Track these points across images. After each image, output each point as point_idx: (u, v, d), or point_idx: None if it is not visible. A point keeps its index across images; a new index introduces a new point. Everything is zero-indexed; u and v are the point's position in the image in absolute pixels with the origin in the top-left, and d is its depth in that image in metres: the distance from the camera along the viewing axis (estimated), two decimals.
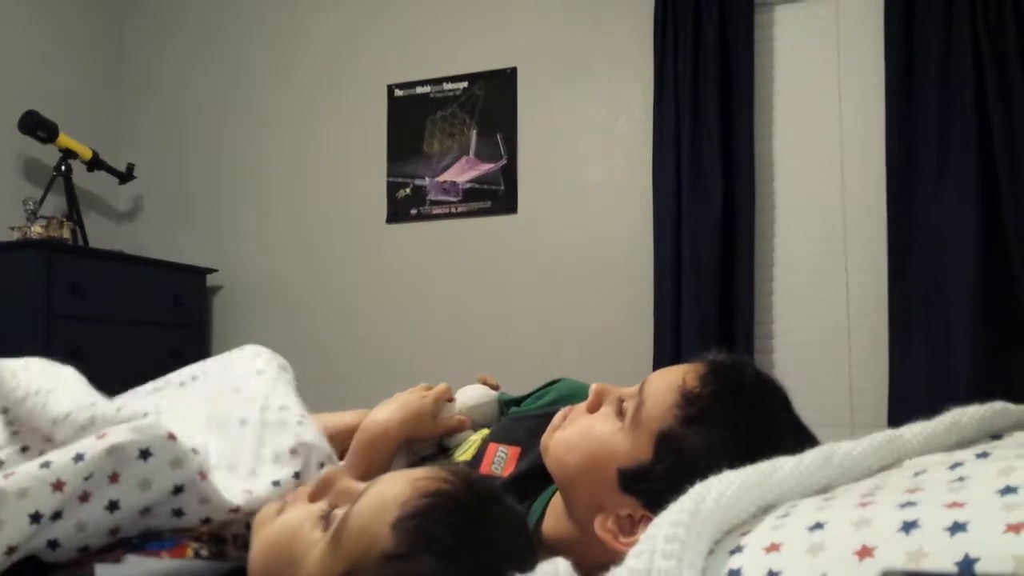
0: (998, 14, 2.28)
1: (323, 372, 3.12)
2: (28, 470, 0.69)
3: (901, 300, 2.37)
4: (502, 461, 0.96)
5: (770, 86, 2.66)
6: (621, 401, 0.81)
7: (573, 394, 1.10)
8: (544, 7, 2.95)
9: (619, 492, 0.76)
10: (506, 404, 1.18)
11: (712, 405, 0.73)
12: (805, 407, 0.79)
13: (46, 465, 0.69)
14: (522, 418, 1.06)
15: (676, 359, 2.43)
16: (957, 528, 0.43)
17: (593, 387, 0.85)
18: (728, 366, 0.77)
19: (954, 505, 0.45)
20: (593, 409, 0.84)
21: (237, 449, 0.89)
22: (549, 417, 1.01)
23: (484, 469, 0.96)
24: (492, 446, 0.98)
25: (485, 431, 1.04)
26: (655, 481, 0.60)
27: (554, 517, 0.87)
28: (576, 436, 0.82)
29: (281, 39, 3.32)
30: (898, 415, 2.30)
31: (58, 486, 0.69)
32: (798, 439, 0.70)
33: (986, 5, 2.29)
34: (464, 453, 1.00)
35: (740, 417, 0.72)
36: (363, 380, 3.05)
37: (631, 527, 0.75)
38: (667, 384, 0.76)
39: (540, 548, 0.84)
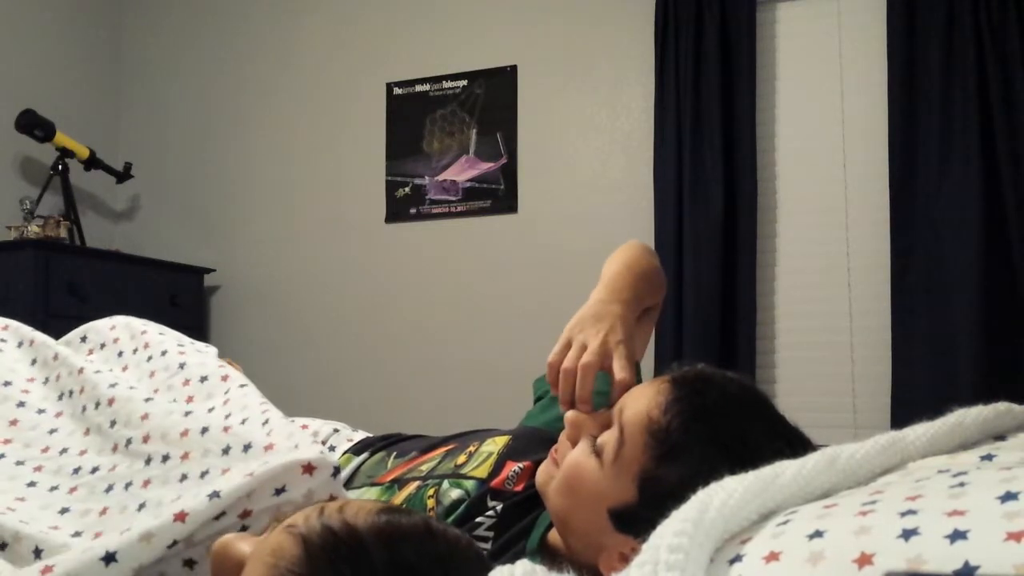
0: (1000, 11, 2.28)
1: (321, 372, 3.12)
2: None
3: (904, 300, 2.37)
4: (515, 477, 0.98)
5: (772, 84, 2.65)
6: (595, 436, 0.81)
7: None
8: (545, 4, 2.93)
9: (615, 532, 0.77)
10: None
11: (680, 439, 0.73)
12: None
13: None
14: (535, 433, 1.08)
15: (678, 359, 2.42)
16: (957, 536, 0.43)
17: (567, 419, 0.86)
18: (689, 389, 0.76)
19: (955, 513, 0.45)
20: (573, 441, 0.85)
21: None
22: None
23: (497, 484, 0.97)
24: (509, 464, 1.01)
25: (501, 442, 1.05)
26: (647, 520, 0.60)
27: None
28: (562, 481, 0.83)
29: (279, 37, 3.32)
30: (901, 416, 2.29)
31: None
32: (776, 448, 0.69)
33: (988, 2, 2.29)
34: (478, 468, 1.01)
35: (710, 445, 0.72)
36: (362, 380, 3.04)
37: None
38: (638, 420, 0.76)
39: (545, 554, 0.87)
